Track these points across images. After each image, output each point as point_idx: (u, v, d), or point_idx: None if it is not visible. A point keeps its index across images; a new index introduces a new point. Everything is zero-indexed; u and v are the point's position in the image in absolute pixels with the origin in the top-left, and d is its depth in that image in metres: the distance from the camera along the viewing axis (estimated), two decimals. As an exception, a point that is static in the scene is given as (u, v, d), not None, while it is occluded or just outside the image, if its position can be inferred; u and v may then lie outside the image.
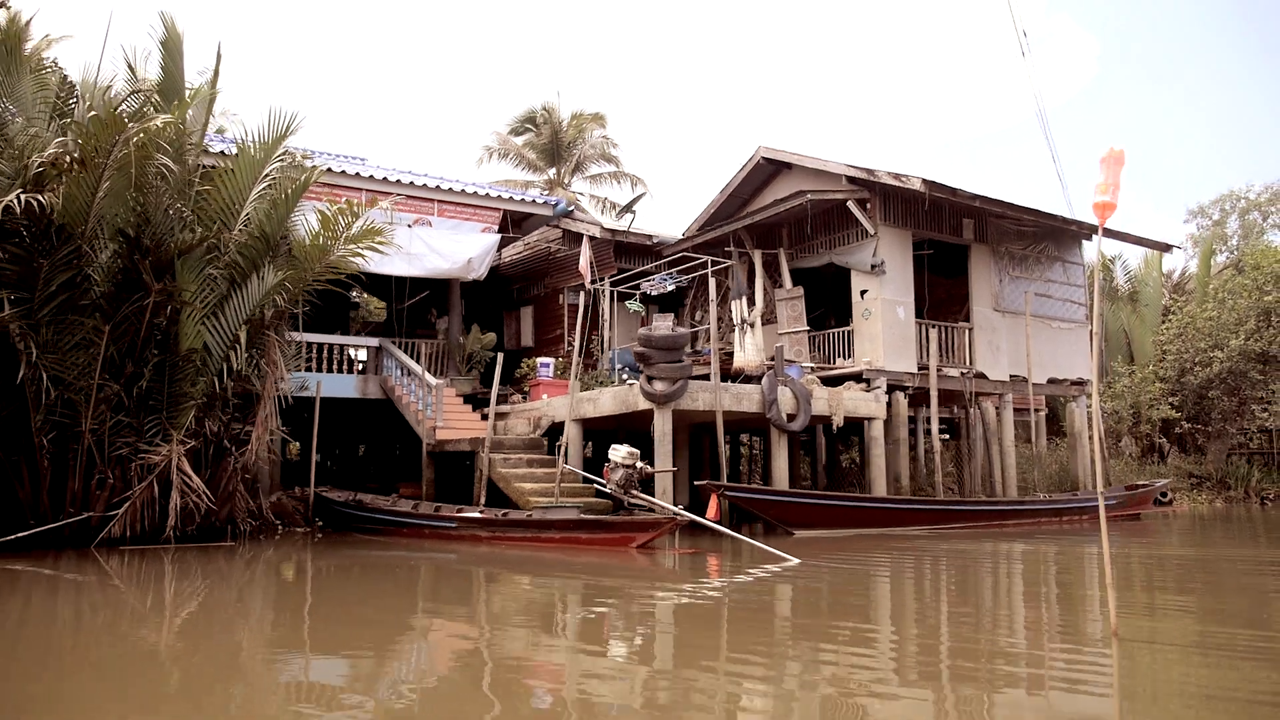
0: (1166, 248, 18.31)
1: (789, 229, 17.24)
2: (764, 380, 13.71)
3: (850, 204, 15.18)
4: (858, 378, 15.15)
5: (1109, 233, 18.16)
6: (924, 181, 14.28)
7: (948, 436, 20.97)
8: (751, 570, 8.54)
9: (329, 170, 15.66)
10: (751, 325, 16.05)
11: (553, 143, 41.20)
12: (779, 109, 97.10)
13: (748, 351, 15.79)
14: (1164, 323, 26.84)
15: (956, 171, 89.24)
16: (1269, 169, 64.18)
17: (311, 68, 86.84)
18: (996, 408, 16.95)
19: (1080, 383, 18.34)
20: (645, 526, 10.17)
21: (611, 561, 9.28)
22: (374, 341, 18.07)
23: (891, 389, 15.38)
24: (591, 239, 17.77)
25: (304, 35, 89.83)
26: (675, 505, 11.54)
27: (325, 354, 17.06)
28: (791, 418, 13.70)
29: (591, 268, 16.58)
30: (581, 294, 14.19)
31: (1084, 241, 18.83)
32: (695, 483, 12.35)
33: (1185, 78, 79.39)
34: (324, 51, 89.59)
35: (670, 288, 15.79)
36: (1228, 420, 24.92)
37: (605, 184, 42.20)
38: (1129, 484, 18.51)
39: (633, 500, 10.26)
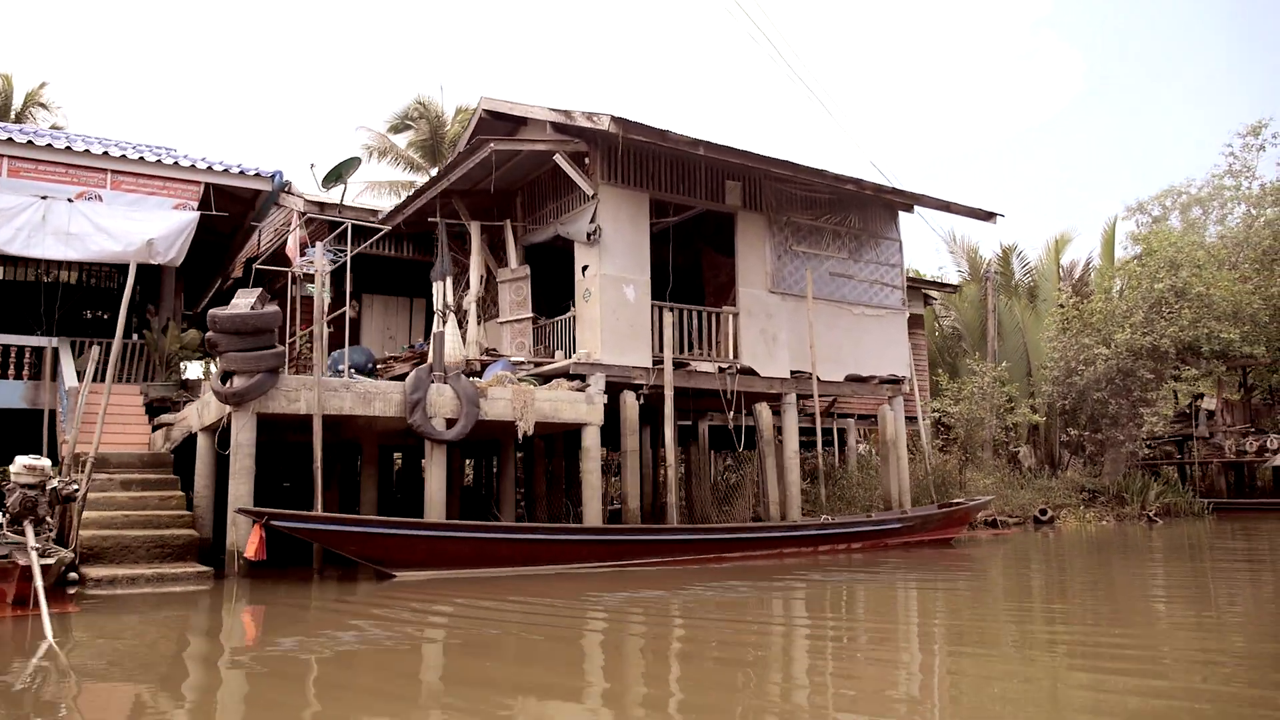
0: (988, 216, 15.31)
1: (523, 198, 14.24)
2: (409, 376, 10.67)
3: (559, 158, 12.18)
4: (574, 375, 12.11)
5: (927, 200, 15.22)
6: (614, 120, 11.26)
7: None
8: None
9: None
10: (457, 312, 13.02)
11: (433, 139, 38.35)
12: (762, 111, 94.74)
13: (448, 343, 12.74)
14: (1047, 318, 23.86)
15: (977, 180, 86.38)
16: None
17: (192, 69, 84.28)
18: (776, 411, 13.90)
19: (894, 380, 15.29)
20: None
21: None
22: (45, 341, 15.01)
23: (619, 387, 12.32)
24: (306, 218, 14.81)
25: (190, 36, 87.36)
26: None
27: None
28: (451, 423, 10.65)
29: (304, 248, 13.67)
30: (313, 283, 11.32)
31: (901, 214, 15.85)
32: (236, 510, 9.29)
33: (1173, 89, 77.29)
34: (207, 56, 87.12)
35: (329, 265, 12.70)
36: (1118, 426, 21.85)
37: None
38: (945, 501, 15.38)
39: (7, 539, 7.13)
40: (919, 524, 13.31)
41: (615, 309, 12.32)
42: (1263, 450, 27.34)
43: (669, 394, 12.24)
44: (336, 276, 13.77)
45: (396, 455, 20.07)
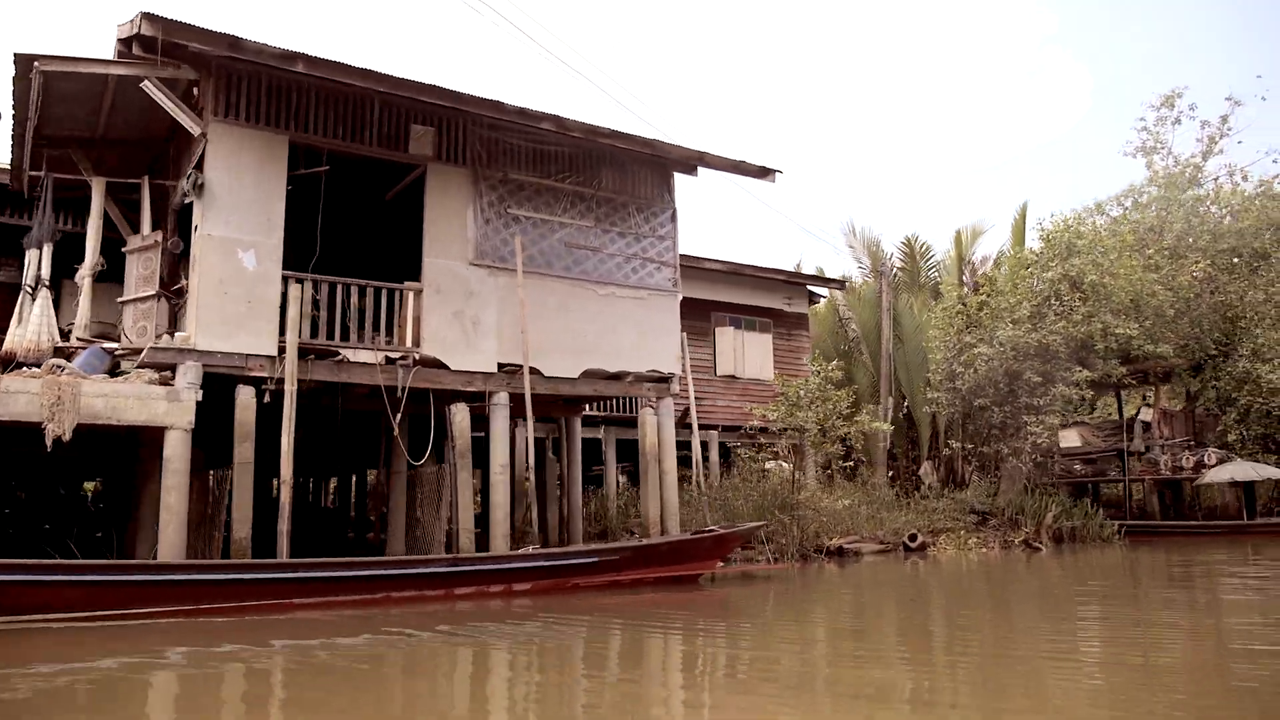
0: (765, 173, 12.47)
1: (175, 148, 11.51)
2: None
3: (148, 85, 9.44)
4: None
5: (710, 159, 12.43)
6: (218, 37, 8.50)
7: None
8: None
9: None
10: (43, 287, 10.29)
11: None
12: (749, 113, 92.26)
13: (31, 326, 10.01)
14: (936, 315, 20.94)
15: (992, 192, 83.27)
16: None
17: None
18: (486, 413, 11.05)
19: (660, 379, 12.43)
20: None
21: None
22: None
23: (232, 380, 9.53)
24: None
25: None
26: None
27: None
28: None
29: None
30: None
31: (676, 177, 13.05)
32: None
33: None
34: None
35: None
36: (1003, 437, 18.88)
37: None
38: (697, 529, 12.44)
39: None
40: (631, 557, 10.38)
41: (225, 280, 9.54)
42: (1200, 467, 24.22)
43: (291, 388, 9.44)
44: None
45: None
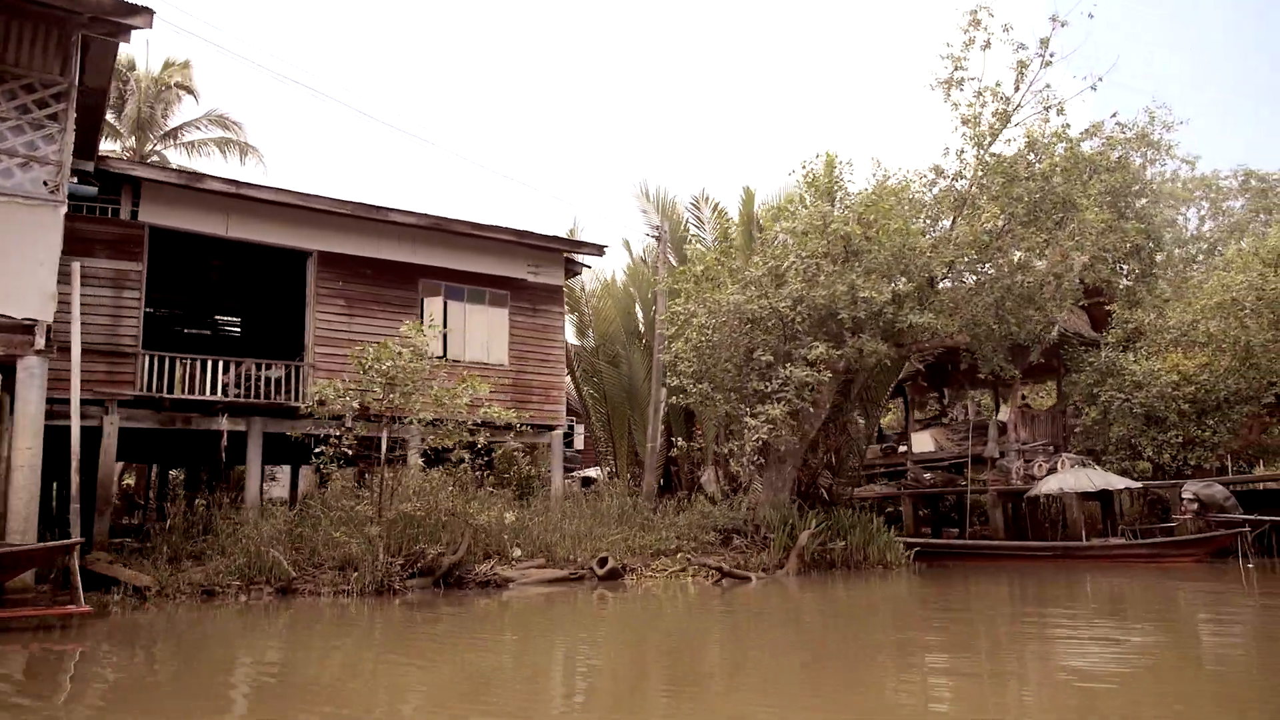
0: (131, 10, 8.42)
1: None
2: None
3: None
4: None
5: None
6: None
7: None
8: None
9: None
10: None
11: (127, 103, 32.22)
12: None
13: None
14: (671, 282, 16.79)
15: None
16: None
17: None
18: None
19: (20, 328, 8.39)
20: None
21: None
22: None
23: None
24: None
25: None
26: None
27: None
28: None
29: None
30: None
31: (95, 47, 9.03)
32: None
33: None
34: None
35: None
36: (721, 436, 14.76)
37: (212, 154, 33.13)
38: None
39: None
40: None
41: None
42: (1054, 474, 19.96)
43: None
44: None
45: None
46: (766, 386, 13.59)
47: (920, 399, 26.14)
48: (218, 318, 23.46)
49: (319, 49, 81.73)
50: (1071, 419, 22.81)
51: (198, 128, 32.91)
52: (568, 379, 24.72)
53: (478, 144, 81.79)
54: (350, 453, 11.80)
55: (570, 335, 21.93)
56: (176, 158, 32.26)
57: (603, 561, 13.86)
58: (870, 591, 12.80)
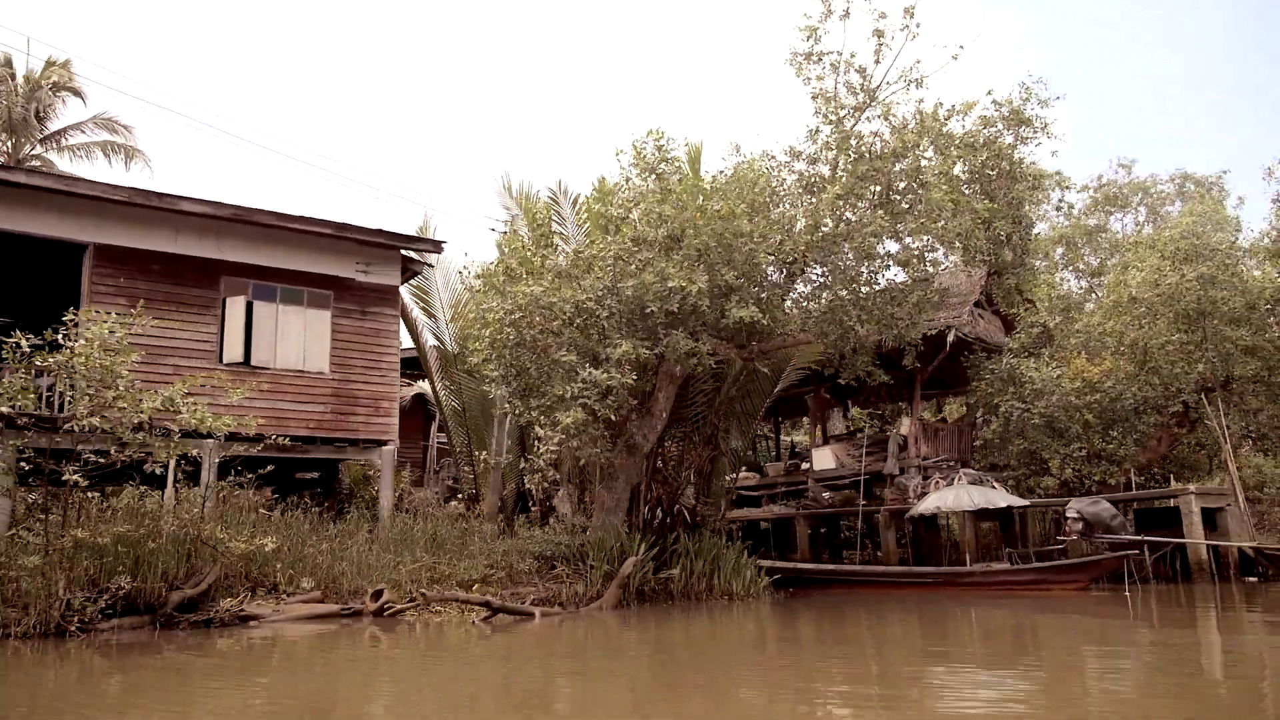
0: None
1: None
2: None
3: None
4: None
5: None
6: None
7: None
8: None
9: None
10: None
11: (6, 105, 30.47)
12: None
13: None
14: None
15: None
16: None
17: None
18: None
19: None
20: None
21: None
22: None
23: None
24: None
25: None
26: None
27: None
28: None
29: None
30: None
31: None
32: None
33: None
34: None
35: None
36: (529, 447, 12.94)
37: (96, 158, 31.26)
38: None
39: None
40: None
41: None
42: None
43: None
44: None
45: None
46: (567, 391, 11.80)
47: (824, 413, 24.34)
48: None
49: (173, 52, 78.38)
50: (981, 432, 21.13)
51: (82, 130, 31.03)
52: (425, 389, 22.90)
53: (334, 148, 79.52)
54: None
55: (433, 342, 20.14)
56: (59, 162, 30.42)
57: (377, 595, 11.98)
58: (679, 629, 10.96)
